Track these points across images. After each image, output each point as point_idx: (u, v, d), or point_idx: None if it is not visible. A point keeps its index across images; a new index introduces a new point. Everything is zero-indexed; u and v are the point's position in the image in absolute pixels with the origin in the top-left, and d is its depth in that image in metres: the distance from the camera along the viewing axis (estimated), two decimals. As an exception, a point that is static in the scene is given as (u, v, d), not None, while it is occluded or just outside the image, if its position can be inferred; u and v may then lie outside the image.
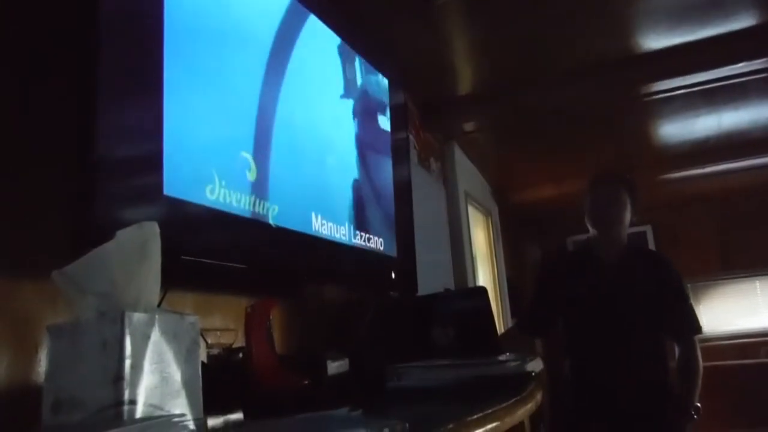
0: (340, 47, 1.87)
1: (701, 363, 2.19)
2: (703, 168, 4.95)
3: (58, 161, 1.06)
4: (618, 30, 2.81)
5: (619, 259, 2.28)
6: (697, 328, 2.24)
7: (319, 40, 1.77)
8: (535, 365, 1.28)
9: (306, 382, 1.17)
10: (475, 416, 0.85)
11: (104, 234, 0.66)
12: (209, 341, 1.21)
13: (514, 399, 0.97)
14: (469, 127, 3.87)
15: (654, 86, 3.32)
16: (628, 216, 2.30)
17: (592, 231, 2.33)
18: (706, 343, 2.30)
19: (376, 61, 2.12)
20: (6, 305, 0.98)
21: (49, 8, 1.11)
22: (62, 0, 1.10)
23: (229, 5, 1.36)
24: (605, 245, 2.30)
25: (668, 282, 2.25)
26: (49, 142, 1.07)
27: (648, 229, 6.09)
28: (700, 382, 2.16)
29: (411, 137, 2.97)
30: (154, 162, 1.07)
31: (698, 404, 2.15)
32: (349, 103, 1.90)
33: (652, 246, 5.85)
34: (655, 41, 2.90)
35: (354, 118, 1.92)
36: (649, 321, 2.20)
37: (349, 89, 1.91)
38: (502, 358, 1.40)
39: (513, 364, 1.28)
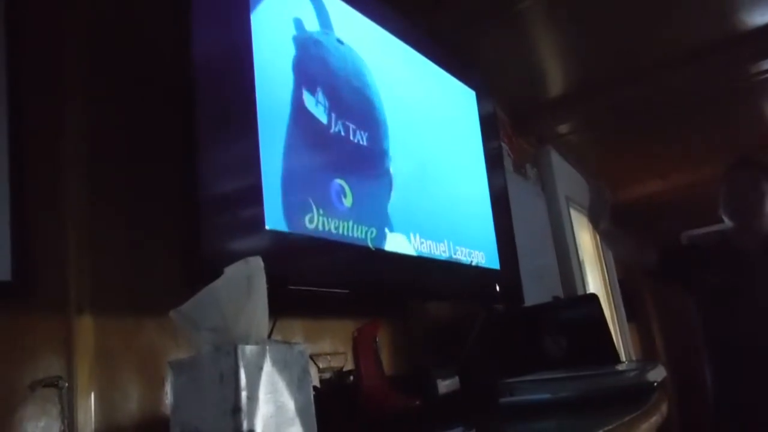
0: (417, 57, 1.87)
1: None
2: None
3: (169, 207, 1.13)
4: (717, 10, 2.64)
5: (765, 251, 2.01)
6: None
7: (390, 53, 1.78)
8: (657, 374, 1.21)
9: (417, 402, 1.17)
10: (596, 433, 0.81)
11: (214, 270, 0.69)
12: (320, 365, 1.24)
13: (636, 413, 0.91)
14: (563, 129, 3.75)
15: (766, 64, 3.08)
16: None
17: (728, 223, 2.10)
18: None
19: (461, 74, 2.11)
20: (135, 343, 1.05)
21: (153, 68, 1.21)
22: (165, 60, 1.19)
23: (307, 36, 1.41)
24: (745, 238, 2.05)
25: None
26: (159, 190, 1.15)
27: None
28: None
29: (504, 145, 2.92)
30: (254, 198, 1.11)
31: None
32: (435, 115, 1.90)
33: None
34: (761, 16, 2.68)
35: (442, 131, 1.91)
36: None
37: (431, 100, 1.91)
38: (620, 368, 1.33)
39: (632, 374, 1.21)
